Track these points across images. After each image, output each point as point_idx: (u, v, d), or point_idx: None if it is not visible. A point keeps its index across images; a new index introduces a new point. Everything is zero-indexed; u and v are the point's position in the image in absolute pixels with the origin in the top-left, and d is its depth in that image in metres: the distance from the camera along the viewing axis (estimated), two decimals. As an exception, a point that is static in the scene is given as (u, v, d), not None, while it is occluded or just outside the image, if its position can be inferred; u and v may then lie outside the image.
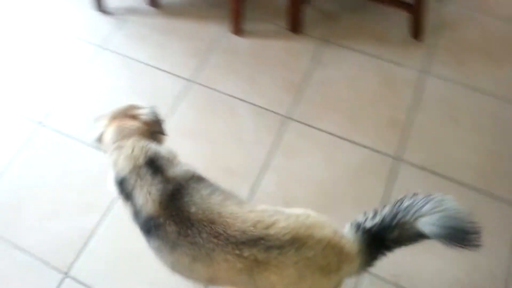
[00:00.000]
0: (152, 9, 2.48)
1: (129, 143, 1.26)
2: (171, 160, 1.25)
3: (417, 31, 2.27)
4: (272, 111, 2.09)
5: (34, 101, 2.15)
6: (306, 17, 2.35)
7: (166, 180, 1.18)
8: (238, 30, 2.33)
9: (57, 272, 1.72)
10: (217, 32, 2.36)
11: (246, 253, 1.07)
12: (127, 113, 1.35)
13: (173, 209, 1.14)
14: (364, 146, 1.98)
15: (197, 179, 1.22)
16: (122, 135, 1.28)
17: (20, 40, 2.37)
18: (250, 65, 2.24)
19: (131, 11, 2.47)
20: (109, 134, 1.32)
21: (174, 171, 1.21)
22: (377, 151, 1.97)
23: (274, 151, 1.98)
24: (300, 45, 2.30)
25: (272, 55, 2.27)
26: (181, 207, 1.14)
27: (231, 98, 2.14)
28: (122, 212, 1.78)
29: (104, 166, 1.41)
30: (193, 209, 1.13)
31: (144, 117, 1.35)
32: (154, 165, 1.21)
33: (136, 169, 1.21)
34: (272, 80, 2.19)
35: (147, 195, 1.17)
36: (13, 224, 1.83)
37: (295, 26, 2.32)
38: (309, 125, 2.05)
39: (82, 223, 1.82)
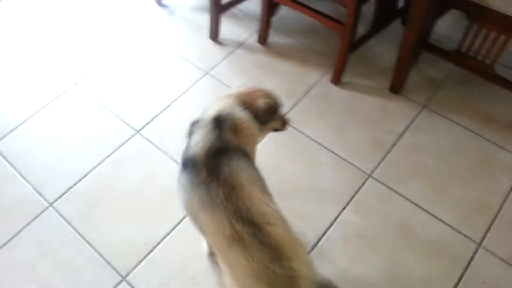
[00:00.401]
0: (259, 46, 2.59)
1: (223, 102, 1.46)
2: (236, 127, 1.40)
3: (528, 116, 2.10)
4: (353, 165, 2.05)
5: (138, 111, 2.32)
6: (409, 79, 2.30)
7: (220, 138, 1.35)
8: (338, 80, 2.35)
9: (116, 274, 1.80)
10: (316, 78, 2.40)
11: (238, 226, 1.18)
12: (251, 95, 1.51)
13: (211, 160, 1.30)
14: (445, 223, 1.85)
15: (244, 155, 1.37)
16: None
17: (137, 55, 2.61)
18: (342, 115, 2.23)
19: (240, 44, 2.61)
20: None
21: (230, 136, 1.37)
22: (459, 232, 1.82)
23: (347, 205, 1.92)
24: (397, 106, 2.25)
25: (366, 111, 2.24)
26: (218, 162, 1.29)
27: (315, 143, 2.13)
28: (188, 230, 1.87)
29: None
30: (225, 169, 1.28)
31: (260, 103, 1.49)
32: (219, 121, 1.38)
33: (207, 118, 1.41)
34: (361, 135, 2.15)
35: (202, 139, 1.35)
36: (88, 218, 1.96)
37: (397, 86, 2.28)
38: (388, 187, 1.97)
39: (150, 232, 1.89)
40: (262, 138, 2.00)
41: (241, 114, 1.45)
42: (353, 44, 2.24)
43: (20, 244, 1.90)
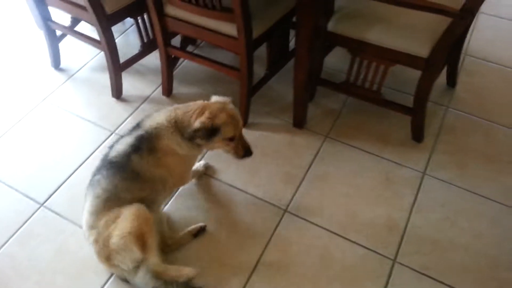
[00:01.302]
0: (165, 98, 2.60)
1: (159, 117, 1.82)
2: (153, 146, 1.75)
3: (417, 134, 2.29)
4: (269, 203, 2.08)
5: (41, 183, 2.20)
6: (310, 113, 2.41)
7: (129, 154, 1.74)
8: (244, 122, 2.40)
9: None
10: (223, 123, 2.43)
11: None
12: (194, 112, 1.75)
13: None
14: (360, 245, 1.92)
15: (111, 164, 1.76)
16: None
17: (37, 123, 2.49)
18: (253, 156, 2.27)
19: (145, 99, 2.60)
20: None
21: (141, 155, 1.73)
22: (374, 251, 1.90)
23: (269, 243, 1.93)
24: (303, 140, 2.35)
25: (275, 148, 2.31)
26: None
27: (231, 188, 2.15)
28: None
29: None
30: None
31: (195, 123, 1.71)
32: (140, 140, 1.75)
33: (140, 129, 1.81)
34: (273, 172, 2.21)
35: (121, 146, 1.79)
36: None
37: (299, 121, 2.38)
38: (304, 219, 2.02)
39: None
40: (198, 157, 2.01)
41: (165, 134, 1.73)
42: (253, 88, 2.32)
43: None
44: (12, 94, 2.64)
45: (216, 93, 2.55)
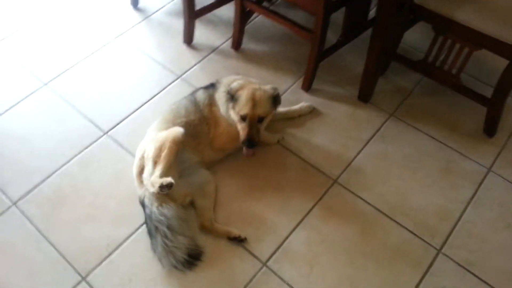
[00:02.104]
0: (233, 51, 2.63)
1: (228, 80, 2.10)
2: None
3: (490, 127, 2.17)
4: (320, 170, 2.08)
5: (108, 113, 2.34)
6: (378, 88, 2.35)
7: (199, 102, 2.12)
8: (308, 87, 2.39)
9: (76, 274, 1.80)
10: (287, 84, 2.44)
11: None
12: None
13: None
14: (407, 229, 1.89)
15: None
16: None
17: (109, 57, 2.62)
18: (311, 121, 2.28)
19: (214, 49, 2.64)
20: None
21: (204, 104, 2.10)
22: (419, 238, 1.87)
23: (312, 210, 1.95)
24: (365, 114, 2.30)
25: (335, 118, 2.29)
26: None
27: (284, 149, 2.17)
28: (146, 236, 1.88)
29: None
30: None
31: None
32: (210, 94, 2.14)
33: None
34: (329, 141, 2.20)
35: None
36: (50, 217, 1.96)
37: (365, 95, 2.33)
38: (353, 192, 2.01)
39: (113, 233, 1.90)
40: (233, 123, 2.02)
41: (220, 89, 2.06)
42: (323, 53, 2.29)
43: (-21, 245, 1.89)
44: (90, 27, 2.78)
45: (284, 54, 2.59)
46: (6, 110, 2.35)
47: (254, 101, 1.93)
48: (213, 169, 2.06)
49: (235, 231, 1.86)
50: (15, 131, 2.27)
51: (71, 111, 2.35)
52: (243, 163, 2.12)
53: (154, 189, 1.78)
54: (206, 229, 1.88)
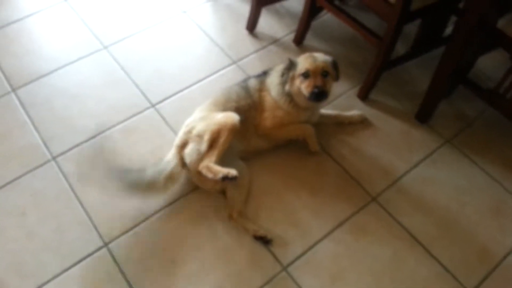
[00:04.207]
0: (293, 46, 2.61)
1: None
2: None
3: (555, 173, 2.04)
4: (360, 184, 2.03)
5: (160, 86, 2.39)
6: (439, 110, 2.26)
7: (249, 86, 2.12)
8: (364, 96, 2.33)
9: (100, 239, 1.85)
10: (343, 89, 2.39)
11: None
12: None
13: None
14: (441, 265, 1.81)
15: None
16: None
17: (169, 32, 2.67)
18: (361, 132, 2.22)
19: (275, 41, 2.63)
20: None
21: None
22: (452, 275, 1.79)
23: (345, 223, 1.91)
24: (420, 135, 2.22)
25: (387, 133, 2.22)
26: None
27: (327, 155, 2.13)
28: (178, 214, 1.90)
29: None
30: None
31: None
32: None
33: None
34: (376, 155, 2.14)
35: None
36: (86, 178, 2.03)
37: (424, 115, 2.24)
38: (391, 214, 1.94)
39: (142, 206, 1.94)
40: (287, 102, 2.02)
41: (273, 74, 2.07)
42: (388, 62, 2.22)
43: (16, 190, 1.99)
44: (158, 4, 2.84)
45: (346, 57, 2.54)
46: (64, 66, 2.45)
47: (313, 57, 1.95)
48: (251, 162, 2.05)
49: (262, 231, 1.85)
50: (69, 88, 2.36)
51: (125, 78, 2.41)
52: (282, 161, 2.10)
53: (210, 174, 1.80)
54: (233, 220, 1.89)
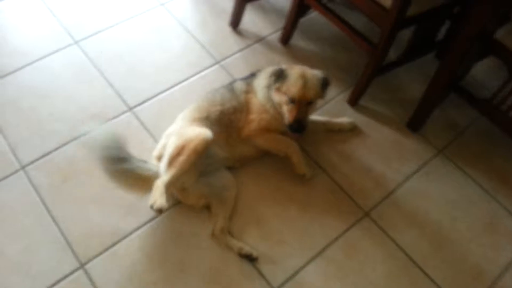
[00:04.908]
0: (279, 45, 2.50)
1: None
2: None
3: (547, 187, 2.03)
4: (352, 198, 1.97)
5: (137, 89, 2.23)
6: (431, 120, 2.21)
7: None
8: (354, 102, 2.26)
9: (75, 259, 1.73)
10: (331, 94, 2.30)
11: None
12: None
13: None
14: (435, 283, 1.79)
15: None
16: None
17: (147, 27, 2.50)
18: (350, 141, 2.16)
19: (260, 39, 2.51)
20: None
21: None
22: (447, 297, 1.76)
23: (336, 240, 1.85)
24: (412, 145, 2.17)
25: (377, 142, 2.17)
26: None
27: (316, 166, 2.06)
28: (159, 230, 1.79)
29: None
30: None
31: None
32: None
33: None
34: (366, 167, 2.08)
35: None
36: (58, 190, 1.89)
37: (416, 124, 2.20)
38: (384, 231, 1.90)
39: (120, 223, 1.82)
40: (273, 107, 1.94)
41: (260, 76, 1.97)
42: (380, 69, 2.15)
43: (-21, 203, 1.83)
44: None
45: (335, 59, 2.45)
46: (32, 62, 2.27)
47: (304, 81, 1.84)
48: (237, 172, 1.95)
49: (248, 248, 1.77)
50: (38, 86, 2.19)
51: (99, 78, 2.25)
52: (270, 171, 2.01)
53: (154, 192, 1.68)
54: (217, 239, 1.80)
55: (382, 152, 2.14)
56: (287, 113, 1.86)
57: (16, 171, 1.92)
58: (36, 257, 1.72)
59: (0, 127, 2.03)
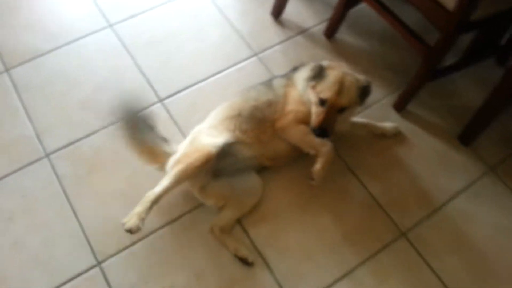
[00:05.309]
0: (324, 38, 2.33)
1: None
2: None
3: None
4: (388, 215, 1.83)
5: (168, 80, 2.15)
6: (485, 133, 2.00)
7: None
8: (401, 107, 2.08)
9: (92, 256, 1.69)
10: (376, 96, 2.13)
11: None
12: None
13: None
14: (474, 321, 1.63)
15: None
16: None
17: (183, 15, 2.39)
18: (393, 150, 2.00)
19: (303, 31, 2.35)
20: None
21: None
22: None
23: (367, 261, 1.72)
24: (461, 159, 1.98)
25: (423, 154, 1.99)
26: None
27: (354, 178, 1.92)
28: (181, 233, 1.72)
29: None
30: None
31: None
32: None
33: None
34: (408, 180, 1.92)
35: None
36: (81, 182, 1.85)
37: (468, 137, 1.99)
38: (421, 255, 1.74)
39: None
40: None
41: (304, 70, 1.84)
42: (434, 73, 1.95)
43: (4, 190, 1.82)
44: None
45: (384, 58, 2.27)
46: (65, 44, 2.23)
47: (341, 86, 1.70)
48: (267, 177, 1.85)
49: (244, 251, 1.69)
50: (69, 71, 2.15)
51: (131, 64, 2.18)
52: (302, 178, 1.88)
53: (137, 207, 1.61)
54: (213, 234, 1.74)
55: (428, 165, 1.96)
56: (314, 116, 1.75)
57: (41, 159, 1.90)
58: (54, 251, 1.70)
59: (28, 111, 2.01)
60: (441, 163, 1.97)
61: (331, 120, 1.72)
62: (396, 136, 2.03)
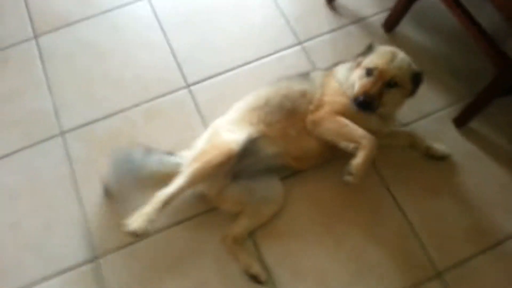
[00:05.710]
0: (381, 30, 2.04)
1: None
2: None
3: None
4: (424, 249, 1.58)
5: (200, 63, 1.98)
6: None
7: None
8: (463, 122, 1.78)
9: (90, 250, 1.61)
10: (435, 105, 1.86)
11: None
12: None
13: None
14: None
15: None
16: None
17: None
18: (446, 173, 1.72)
19: (358, 20, 2.08)
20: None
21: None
22: None
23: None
24: (526, 192, 1.67)
25: (479, 184, 1.70)
26: None
27: (388, 195, 1.67)
28: (187, 233, 1.61)
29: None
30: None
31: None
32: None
33: None
34: (454, 214, 1.65)
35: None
36: (92, 164, 1.75)
37: (539, 166, 1.67)
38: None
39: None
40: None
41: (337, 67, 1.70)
42: (508, 88, 1.63)
43: (12, 166, 1.76)
44: None
45: (449, 60, 1.95)
46: (96, 15, 2.11)
47: (393, 56, 1.55)
48: (290, 184, 1.66)
49: (257, 268, 1.53)
50: (98, 42, 2.04)
51: (162, 42, 2.03)
52: (329, 191, 1.67)
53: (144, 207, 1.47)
54: (225, 245, 1.58)
55: (484, 195, 1.67)
56: (358, 85, 1.55)
57: (54, 136, 1.81)
58: (53, 237, 1.64)
59: (50, 83, 1.93)
60: (501, 195, 1.67)
61: (377, 93, 1.50)
62: (444, 159, 1.73)
